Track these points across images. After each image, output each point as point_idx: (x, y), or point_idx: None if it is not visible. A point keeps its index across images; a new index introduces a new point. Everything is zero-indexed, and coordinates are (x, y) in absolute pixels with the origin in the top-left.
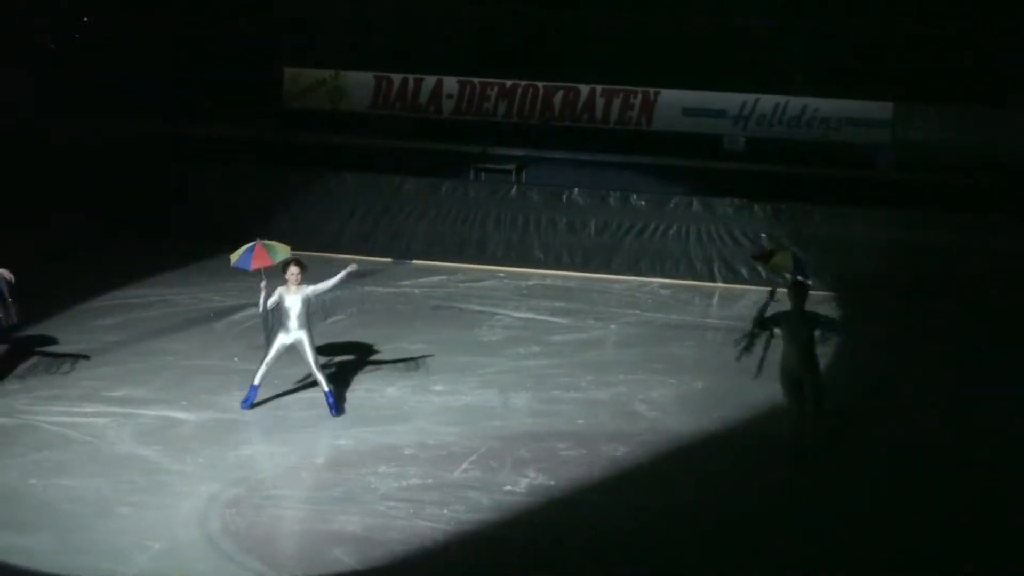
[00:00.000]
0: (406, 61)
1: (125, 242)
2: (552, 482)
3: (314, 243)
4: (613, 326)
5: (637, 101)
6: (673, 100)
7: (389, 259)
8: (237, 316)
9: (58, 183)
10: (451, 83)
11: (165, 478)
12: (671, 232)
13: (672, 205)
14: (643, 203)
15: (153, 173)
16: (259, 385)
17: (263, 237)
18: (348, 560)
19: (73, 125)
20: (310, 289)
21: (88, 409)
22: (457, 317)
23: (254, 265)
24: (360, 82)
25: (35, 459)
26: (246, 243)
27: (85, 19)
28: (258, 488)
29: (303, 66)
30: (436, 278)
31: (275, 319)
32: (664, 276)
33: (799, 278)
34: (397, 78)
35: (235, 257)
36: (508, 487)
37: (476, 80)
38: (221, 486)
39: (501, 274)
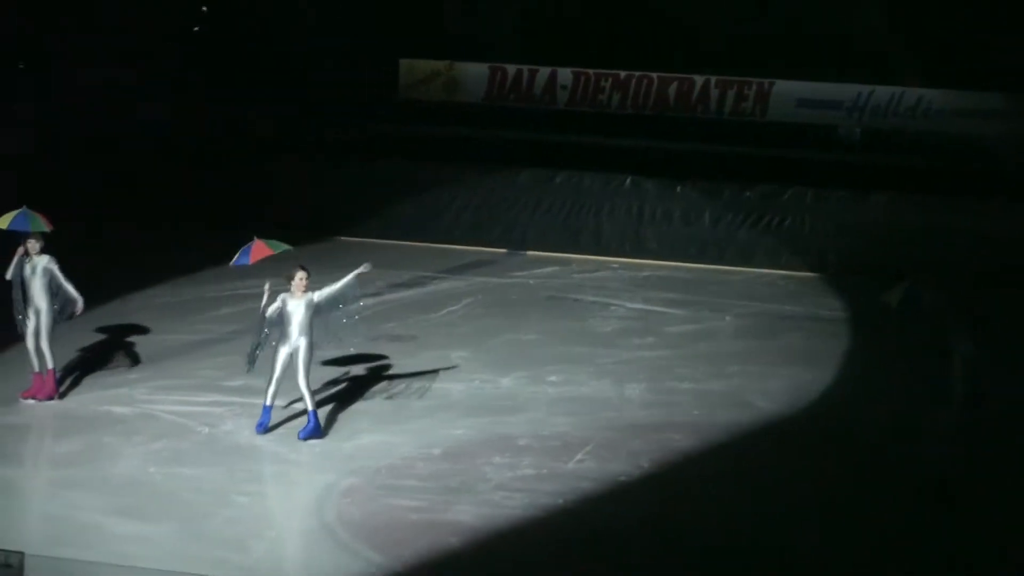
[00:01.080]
0: (521, 52)
1: (239, 233)
2: (666, 473)
3: (428, 234)
4: (728, 317)
5: (751, 92)
6: (787, 91)
7: (503, 250)
8: (352, 307)
9: (176, 177)
10: (565, 74)
11: (282, 467)
12: (785, 223)
13: (786, 196)
14: (756, 194)
15: (267, 166)
16: (272, 406)
17: (378, 228)
18: (463, 549)
19: (196, 118)
20: (316, 294)
21: (206, 399)
22: (571, 308)
23: (254, 258)
24: (475, 73)
25: (154, 448)
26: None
27: (204, 8)
28: (373, 477)
29: (418, 57)
30: (550, 269)
31: (273, 328)
32: (778, 267)
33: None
34: (512, 69)
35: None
36: (622, 478)
37: (591, 71)
38: (337, 475)
39: (615, 265)
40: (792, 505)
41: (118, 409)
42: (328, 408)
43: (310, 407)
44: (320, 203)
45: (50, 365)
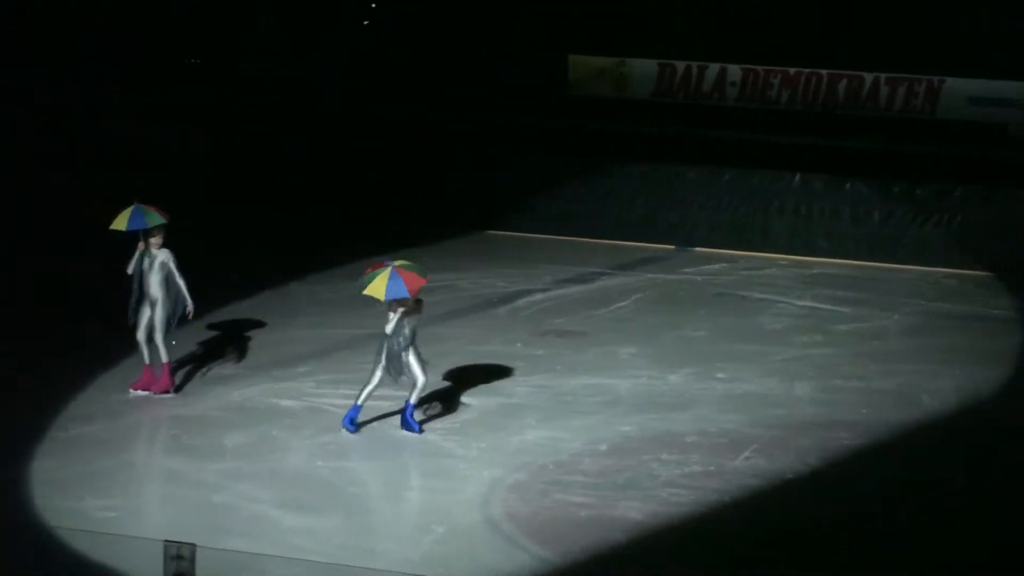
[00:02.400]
0: (690, 48)
1: (407, 228)
2: (834, 472)
3: (597, 230)
4: (896, 316)
5: (921, 89)
6: (958, 88)
7: (672, 246)
8: (520, 302)
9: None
10: (735, 71)
11: (449, 462)
12: (955, 221)
13: (956, 194)
14: (926, 192)
15: (435, 159)
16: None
17: (545, 223)
18: (630, 546)
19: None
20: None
21: (374, 393)
22: (739, 305)
23: (412, 290)
24: (644, 70)
25: (322, 442)
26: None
27: (373, 4)
28: (540, 473)
29: (588, 54)
30: (718, 265)
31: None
32: (948, 266)
33: None
34: (681, 65)
35: (375, 290)
36: (790, 476)
37: (760, 68)
38: (504, 471)
39: (783, 262)
40: (964, 506)
41: (286, 402)
42: (495, 403)
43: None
44: (488, 197)
45: (164, 359)
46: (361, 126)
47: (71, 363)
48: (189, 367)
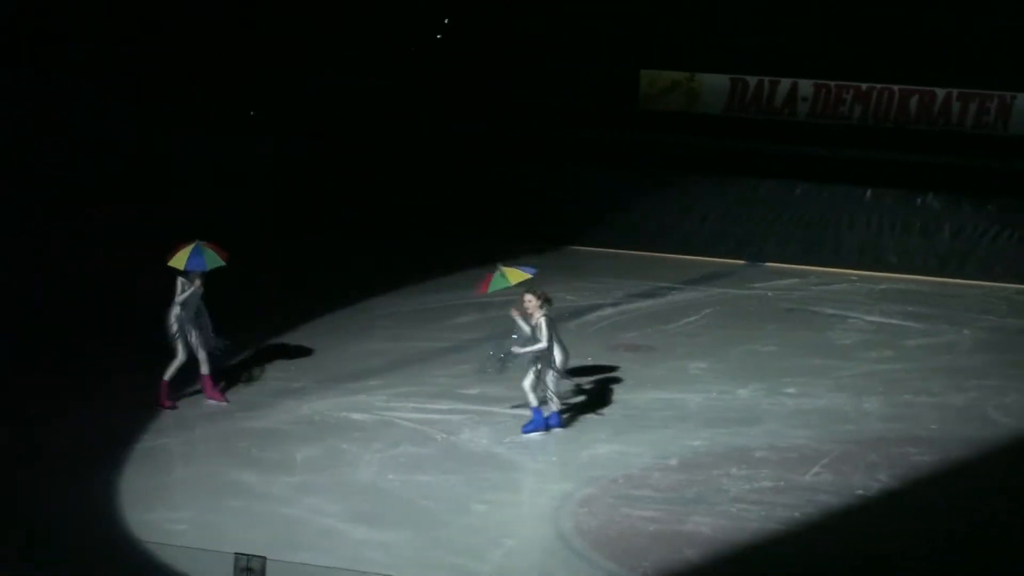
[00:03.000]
0: (761, 63)
1: (480, 241)
2: (905, 488)
3: (667, 245)
4: (967, 331)
5: (993, 105)
6: None
7: (742, 261)
8: (590, 316)
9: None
10: (806, 86)
11: (519, 476)
12: None
13: None
14: (997, 207)
15: (509, 173)
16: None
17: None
18: (699, 561)
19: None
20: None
21: (444, 406)
22: (809, 320)
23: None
24: (715, 84)
25: (392, 455)
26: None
27: (446, 20)
28: (610, 488)
29: (659, 68)
30: (788, 280)
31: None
32: (1018, 281)
33: None
34: (752, 80)
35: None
36: (860, 491)
37: (832, 83)
38: (574, 485)
39: (854, 277)
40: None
41: (357, 416)
42: (565, 417)
43: (534, 404)
44: (560, 212)
45: (204, 371)
46: (434, 142)
47: (143, 375)
48: (260, 380)
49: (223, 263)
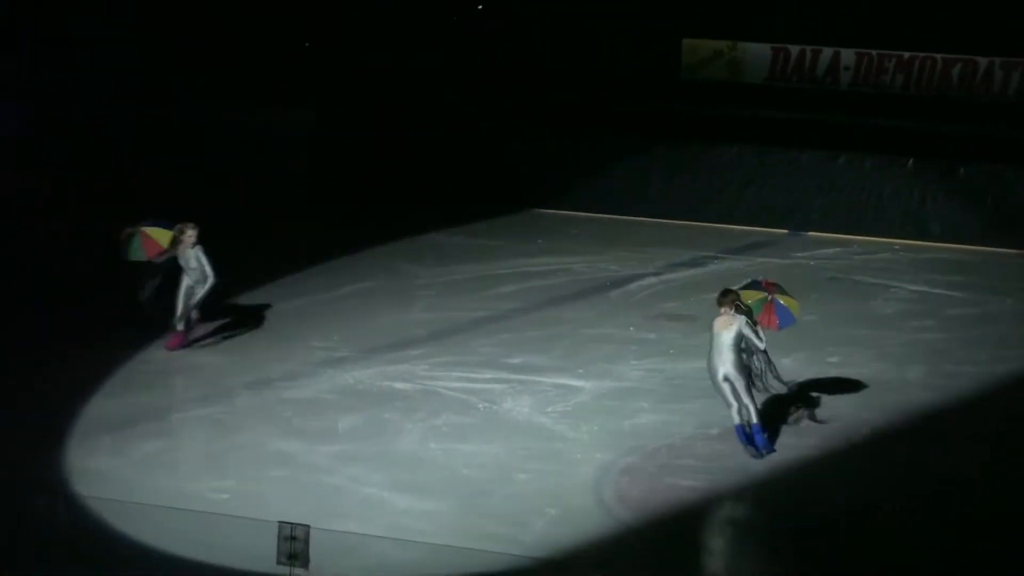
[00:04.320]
0: (803, 32)
1: (521, 211)
2: (948, 458)
3: (709, 215)
4: (1009, 300)
5: None
6: None
7: (784, 231)
8: (633, 285)
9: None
10: (848, 55)
11: (561, 445)
12: None
13: None
14: None
15: (543, 144)
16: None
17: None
18: (744, 529)
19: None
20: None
21: (487, 376)
22: (852, 289)
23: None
24: (757, 54)
25: (435, 424)
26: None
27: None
28: (652, 457)
29: (702, 37)
30: (831, 250)
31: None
32: None
33: None
34: (794, 49)
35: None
36: (902, 461)
37: (874, 52)
38: (616, 454)
39: (897, 246)
40: None
41: (399, 385)
42: (608, 387)
43: (755, 419)
44: (602, 182)
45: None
46: (474, 112)
47: (188, 347)
48: (302, 349)
49: (147, 258)
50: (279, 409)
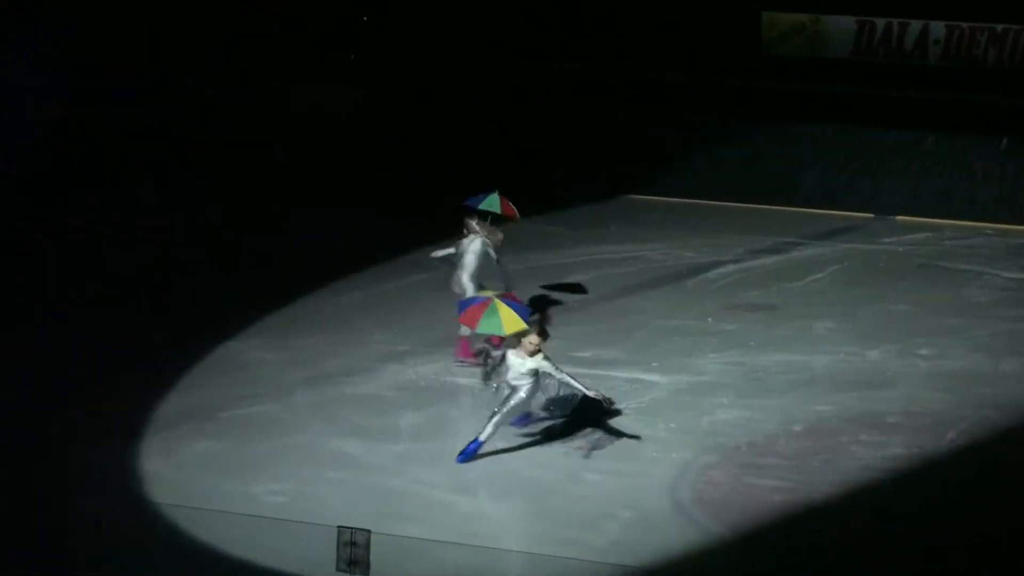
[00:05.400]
0: (890, 4)
1: (592, 197)
2: None
3: (791, 198)
4: None
5: None
6: None
7: (870, 215)
8: (711, 273)
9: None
10: (938, 27)
11: (635, 444)
12: None
13: None
14: None
15: (621, 122)
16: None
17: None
18: (829, 533)
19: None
20: (546, 365)
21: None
22: (943, 276)
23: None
24: (841, 27)
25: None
26: None
27: None
28: (733, 456)
29: (782, 10)
30: (920, 235)
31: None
32: None
33: None
34: (880, 23)
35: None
36: (998, 459)
37: (965, 24)
38: (694, 453)
39: (989, 231)
40: None
41: (464, 381)
42: (685, 381)
43: (482, 437)
44: (677, 164)
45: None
46: (545, 89)
47: (242, 341)
48: (363, 344)
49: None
50: (338, 407)
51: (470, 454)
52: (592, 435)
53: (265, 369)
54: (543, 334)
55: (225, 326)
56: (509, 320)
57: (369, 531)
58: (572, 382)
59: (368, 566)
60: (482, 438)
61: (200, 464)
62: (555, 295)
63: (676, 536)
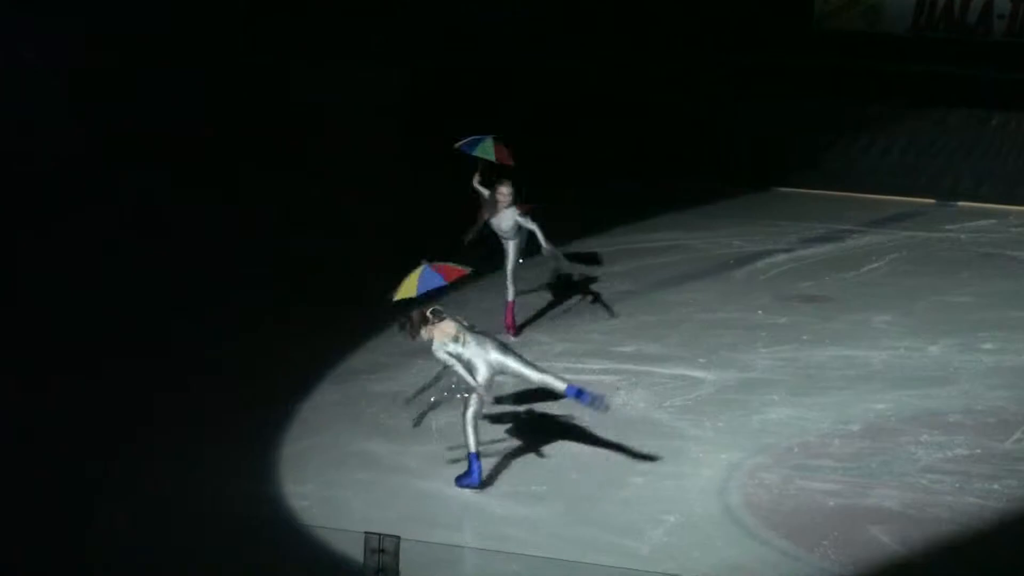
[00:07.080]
0: None
1: (636, 179)
2: None
3: (845, 182)
4: None
5: None
6: None
7: (932, 200)
8: (760, 263)
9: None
10: (1003, 2)
11: (681, 444)
12: None
13: None
14: None
15: (662, 103)
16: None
17: (788, 176)
18: (886, 539)
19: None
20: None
21: (596, 366)
22: (1009, 266)
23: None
24: (899, 1)
25: (539, 421)
26: None
27: None
28: (785, 457)
29: None
30: (985, 222)
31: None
32: None
33: None
34: None
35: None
36: None
37: None
38: (743, 454)
39: None
40: None
41: (499, 377)
42: (733, 378)
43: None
44: (722, 147)
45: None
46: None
47: (264, 339)
48: (390, 338)
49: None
50: (364, 404)
51: (475, 475)
52: (636, 436)
53: (286, 365)
54: (423, 317)
55: (253, 326)
56: (405, 286)
57: (398, 537)
58: (460, 369)
59: (397, 574)
60: (472, 450)
61: (217, 466)
62: (594, 286)
63: (723, 542)
